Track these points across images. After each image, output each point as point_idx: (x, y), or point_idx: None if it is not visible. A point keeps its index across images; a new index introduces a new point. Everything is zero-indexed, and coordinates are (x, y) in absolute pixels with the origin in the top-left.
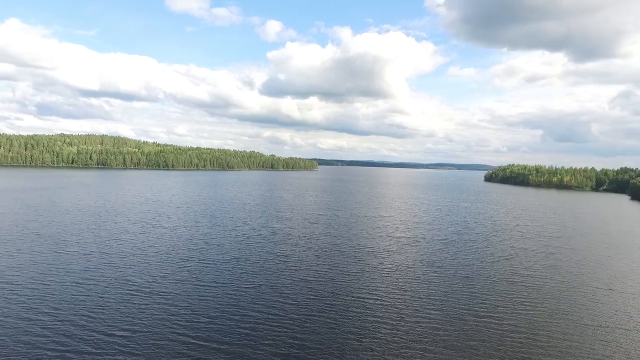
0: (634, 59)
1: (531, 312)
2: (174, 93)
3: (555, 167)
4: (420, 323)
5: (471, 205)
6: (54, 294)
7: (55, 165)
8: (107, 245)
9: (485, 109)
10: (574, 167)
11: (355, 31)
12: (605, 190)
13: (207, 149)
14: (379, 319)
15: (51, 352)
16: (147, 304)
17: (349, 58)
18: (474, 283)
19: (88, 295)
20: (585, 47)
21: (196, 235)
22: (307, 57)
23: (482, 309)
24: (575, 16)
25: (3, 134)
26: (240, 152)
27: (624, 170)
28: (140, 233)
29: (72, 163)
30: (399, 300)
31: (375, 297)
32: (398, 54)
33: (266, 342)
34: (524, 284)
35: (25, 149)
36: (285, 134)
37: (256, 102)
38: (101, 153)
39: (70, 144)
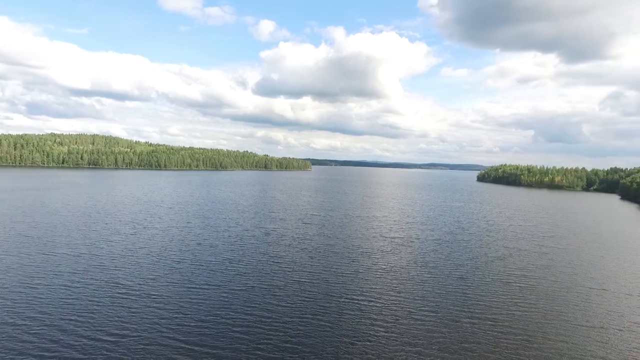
0: (623, 60)
1: (526, 312)
2: (167, 92)
3: (547, 168)
4: (415, 325)
5: (464, 205)
6: (40, 298)
7: (46, 165)
8: (96, 247)
9: (477, 110)
10: (565, 168)
11: (348, 31)
12: (596, 190)
13: (200, 148)
14: (373, 321)
15: (36, 359)
16: (137, 307)
17: (342, 58)
18: (468, 284)
19: (76, 299)
20: (577, 49)
21: (188, 237)
22: (300, 57)
23: (476, 310)
24: (566, 17)
25: None
26: (234, 152)
27: (614, 171)
28: (131, 234)
29: (62, 163)
30: (393, 302)
31: (369, 299)
32: (391, 54)
33: (259, 345)
34: (517, 284)
35: (15, 149)
36: (278, 134)
37: (249, 102)
38: (92, 153)
39: (61, 144)
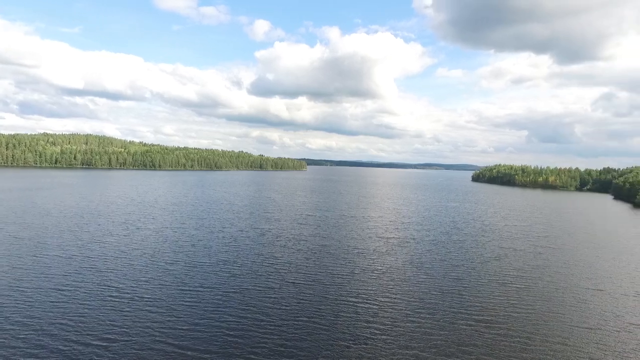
0: (616, 61)
1: (522, 313)
2: (161, 92)
3: (541, 168)
4: (411, 327)
5: (460, 205)
6: (30, 301)
7: (38, 165)
8: (88, 248)
9: (472, 110)
10: (558, 168)
11: (343, 31)
12: (589, 190)
13: (195, 148)
14: (368, 324)
15: None
16: (128, 311)
17: (337, 58)
18: (464, 285)
19: (66, 302)
20: (570, 50)
21: (182, 238)
22: (295, 57)
23: (472, 311)
24: (560, 19)
25: None
26: (229, 152)
27: (607, 171)
28: (124, 236)
29: (55, 163)
30: (389, 304)
31: (365, 301)
32: (386, 54)
33: (254, 349)
34: (513, 284)
35: (7, 149)
36: (273, 134)
37: (244, 102)
38: (86, 153)
39: (54, 144)
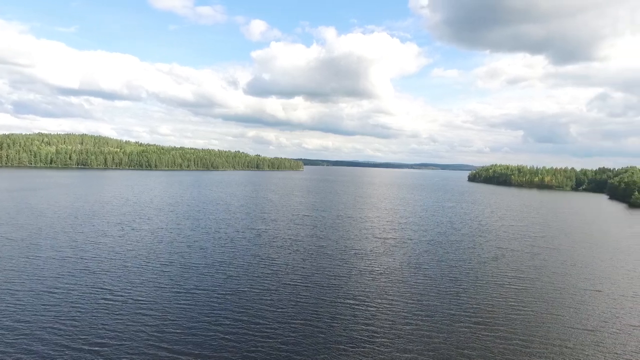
0: (610, 62)
1: (520, 314)
2: (157, 92)
3: (537, 168)
4: (409, 329)
5: (456, 205)
6: (21, 304)
7: (33, 165)
8: (83, 249)
9: (468, 110)
10: (554, 168)
11: (340, 31)
12: (585, 190)
13: (191, 148)
14: (366, 326)
15: None
16: (122, 313)
17: (333, 58)
18: (462, 286)
19: (58, 305)
20: (565, 50)
21: (178, 239)
22: (291, 56)
23: (470, 312)
24: (555, 19)
25: None
26: (225, 152)
27: (602, 171)
28: (118, 236)
29: (50, 163)
30: (387, 306)
31: (362, 302)
32: (382, 54)
33: (250, 352)
34: (511, 285)
35: (1, 149)
36: (270, 134)
37: (241, 102)
38: (81, 153)
39: (49, 144)
